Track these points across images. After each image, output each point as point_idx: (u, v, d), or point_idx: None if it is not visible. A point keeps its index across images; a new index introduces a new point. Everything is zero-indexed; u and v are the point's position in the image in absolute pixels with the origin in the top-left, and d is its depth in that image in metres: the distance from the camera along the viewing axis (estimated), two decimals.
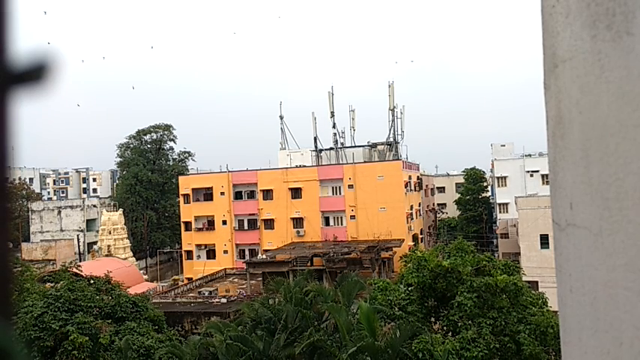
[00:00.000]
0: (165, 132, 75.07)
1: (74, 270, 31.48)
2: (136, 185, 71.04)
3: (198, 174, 65.32)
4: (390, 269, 46.26)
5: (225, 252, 57.50)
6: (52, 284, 27.62)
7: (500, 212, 60.81)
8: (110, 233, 56.21)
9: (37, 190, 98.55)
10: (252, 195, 57.77)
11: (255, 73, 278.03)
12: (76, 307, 20.95)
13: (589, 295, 1.05)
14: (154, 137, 74.86)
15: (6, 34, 0.61)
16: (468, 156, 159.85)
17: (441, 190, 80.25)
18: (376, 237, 50.49)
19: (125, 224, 59.55)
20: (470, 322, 18.43)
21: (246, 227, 57.79)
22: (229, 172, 59.36)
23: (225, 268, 52.30)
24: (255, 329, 19.65)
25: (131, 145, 74.42)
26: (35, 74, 0.62)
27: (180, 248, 63.03)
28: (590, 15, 1.02)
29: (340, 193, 54.88)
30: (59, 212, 69.51)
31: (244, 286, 42.96)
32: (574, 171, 1.09)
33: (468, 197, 67.99)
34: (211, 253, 58.39)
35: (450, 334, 19.06)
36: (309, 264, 41.42)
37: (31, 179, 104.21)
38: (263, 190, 56.72)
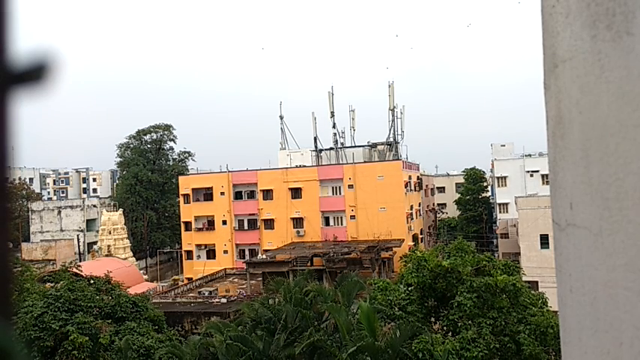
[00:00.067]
0: (165, 132, 75.08)
1: (74, 270, 31.48)
2: (136, 185, 71.04)
3: (198, 174, 65.33)
4: (390, 269, 46.27)
5: (225, 252, 57.50)
6: (52, 284, 27.62)
7: (500, 212, 60.81)
8: (110, 233, 56.22)
9: (37, 190, 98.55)
10: (252, 195, 57.77)
11: (255, 73, 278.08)
12: (76, 307, 20.95)
13: (589, 295, 1.05)
14: (154, 137, 74.87)
15: (6, 34, 0.61)
16: (468, 156, 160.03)
17: (441, 190, 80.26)
18: (376, 237, 50.49)
19: (125, 224, 59.56)
20: (470, 322, 18.43)
21: (246, 227, 57.80)
22: (229, 172, 59.37)
23: (225, 268, 52.31)
24: (255, 329, 19.65)
25: (131, 145, 74.42)
26: (35, 74, 0.62)
27: (180, 248, 63.03)
28: (590, 15, 1.02)
29: (340, 193, 54.89)
30: (59, 212, 69.51)
31: (244, 286, 42.96)
32: (574, 171, 1.09)
33: (468, 197, 68.00)
34: (211, 253, 58.39)
35: (450, 334, 19.06)
36: (309, 264, 41.42)
37: (31, 179, 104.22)
38: (263, 190, 56.73)
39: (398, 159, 56.99)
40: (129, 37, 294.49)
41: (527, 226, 41.12)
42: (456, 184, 77.23)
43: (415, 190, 59.86)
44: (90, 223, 69.08)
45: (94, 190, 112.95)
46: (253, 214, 57.13)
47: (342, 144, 63.02)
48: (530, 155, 63.13)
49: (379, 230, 51.17)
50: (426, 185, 69.69)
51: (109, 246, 55.23)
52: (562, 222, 1.15)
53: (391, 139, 61.87)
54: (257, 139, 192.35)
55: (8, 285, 0.61)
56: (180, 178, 63.06)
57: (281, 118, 66.04)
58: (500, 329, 18.33)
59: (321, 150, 63.61)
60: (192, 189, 59.57)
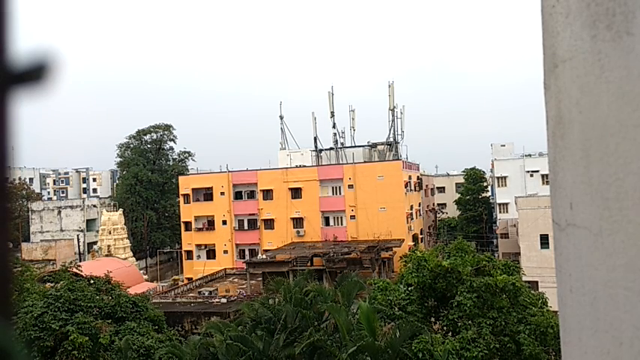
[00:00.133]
0: (165, 132, 75.07)
1: (74, 270, 31.47)
2: (136, 185, 71.02)
3: (198, 174, 65.31)
4: (390, 269, 46.26)
5: (225, 252, 57.50)
6: (52, 284, 27.61)
7: (500, 212, 60.80)
8: (110, 233, 56.21)
9: (37, 190, 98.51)
10: (252, 195, 57.76)
11: (255, 73, 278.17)
12: (76, 307, 20.95)
13: (589, 295, 1.05)
14: (154, 137, 74.86)
15: (6, 34, 0.61)
16: (468, 156, 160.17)
17: (441, 190, 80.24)
18: (376, 237, 50.48)
19: (125, 224, 59.56)
20: (470, 322, 18.43)
21: (246, 227, 57.79)
22: (229, 172, 59.36)
23: (225, 268, 52.30)
24: (255, 329, 19.64)
25: (131, 145, 74.41)
26: (35, 74, 0.62)
27: (180, 248, 63.02)
28: (590, 15, 1.02)
29: (340, 193, 54.88)
30: (59, 212, 69.50)
31: (244, 286, 42.95)
32: (574, 171, 1.09)
33: (468, 197, 67.99)
34: (211, 253, 58.39)
35: (450, 334, 19.06)
36: (309, 264, 41.41)
37: (31, 179, 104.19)
38: (263, 190, 56.72)
39: (398, 159, 56.98)
40: (129, 37, 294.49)
41: (527, 226, 41.12)
42: (456, 184, 77.22)
43: (415, 190, 59.85)
44: (90, 223, 69.07)
45: (94, 190, 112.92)
46: (253, 214, 57.12)
47: (342, 144, 63.02)
48: (530, 155, 63.12)
49: (379, 230, 51.16)
50: (426, 185, 69.68)
51: (109, 246, 55.22)
52: (562, 222, 1.15)
53: (391, 139, 61.85)
54: (257, 139, 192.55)
55: (8, 285, 0.61)
56: (180, 178, 63.05)
57: (281, 118, 66.08)
58: (500, 329, 18.33)
59: (321, 150, 63.60)
60: (192, 189, 59.56)
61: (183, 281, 52.02)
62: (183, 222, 60.43)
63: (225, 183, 58.34)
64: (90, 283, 23.89)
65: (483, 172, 70.22)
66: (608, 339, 0.99)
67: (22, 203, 74.42)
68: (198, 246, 59.07)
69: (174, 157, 76.77)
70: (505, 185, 61.84)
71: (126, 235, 58.12)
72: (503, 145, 66.66)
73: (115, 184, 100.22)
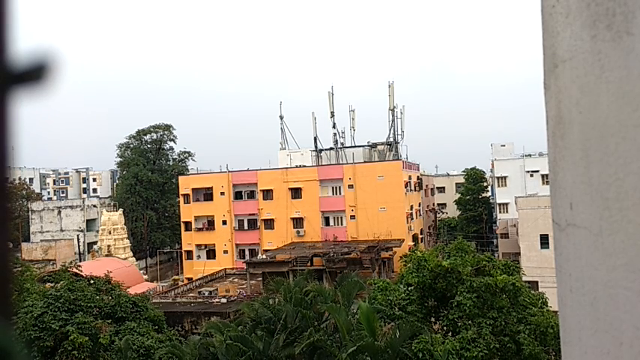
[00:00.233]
0: (165, 132, 75.08)
1: (74, 270, 31.46)
2: (136, 185, 71.03)
3: (198, 174, 65.31)
4: (390, 269, 46.26)
5: (225, 252, 57.49)
6: (52, 284, 27.61)
7: (500, 212, 60.80)
8: (110, 233, 56.21)
9: (37, 190, 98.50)
10: (252, 195, 57.76)
11: (255, 73, 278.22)
12: (76, 307, 20.95)
13: (589, 295, 1.05)
14: (154, 137, 74.87)
15: (6, 34, 0.61)
16: (468, 156, 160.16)
17: (441, 190, 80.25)
18: (376, 237, 50.47)
19: (125, 224, 59.55)
20: (470, 322, 18.42)
21: (246, 227, 57.79)
22: (229, 172, 59.35)
23: (225, 268, 52.30)
24: (255, 329, 19.65)
25: (131, 145, 74.41)
26: (35, 74, 0.62)
27: (180, 248, 63.02)
28: (590, 15, 1.02)
29: (340, 193, 54.87)
30: (59, 212, 69.50)
31: (244, 286, 42.95)
32: (574, 171, 1.09)
33: (468, 197, 67.98)
34: (211, 253, 58.38)
35: (450, 334, 19.05)
36: (309, 264, 41.41)
37: (31, 179, 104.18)
38: (263, 190, 56.72)
39: (398, 159, 56.97)
40: (129, 37, 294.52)
41: (527, 226, 41.12)
42: (456, 184, 77.23)
43: (415, 190, 59.85)
44: (90, 223, 69.07)
45: (94, 190, 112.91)
46: (253, 214, 57.12)
47: (342, 144, 63.01)
48: (530, 155, 63.12)
49: (379, 230, 51.16)
50: (426, 185, 69.67)
51: (109, 246, 55.22)
52: (562, 222, 1.15)
53: (391, 139, 61.84)
54: (257, 139, 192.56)
55: (8, 285, 0.61)
56: (180, 178, 63.05)
57: (281, 118, 66.08)
58: (500, 329, 18.33)
59: (321, 150, 63.59)
60: (192, 189, 59.56)
61: (183, 281, 52.01)
62: (183, 222, 60.43)
63: (225, 183, 58.34)
64: (90, 283, 23.88)
65: (483, 172, 70.23)
66: (608, 339, 0.99)
67: (22, 203, 74.42)
68: (198, 246, 59.07)
69: (174, 157, 76.80)
70: (505, 185, 61.84)
71: (126, 235, 58.12)
72: (503, 145, 66.67)
73: (115, 184, 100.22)
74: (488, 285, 18.50)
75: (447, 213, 76.42)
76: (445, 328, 19.46)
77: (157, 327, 22.61)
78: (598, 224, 1.01)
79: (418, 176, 63.11)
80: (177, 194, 63.50)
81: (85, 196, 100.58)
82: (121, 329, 20.87)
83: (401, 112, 62.94)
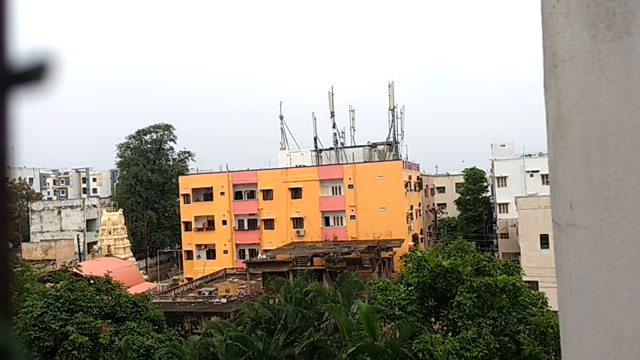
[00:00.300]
0: (165, 132, 75.08)
1: (74, 270, 31.46)
2: (136, 185, 71.03)
3: (198, 174, 65.30)
4: (390, 269, 46.26)
5: (225, 252, 57.49)
6: (52, 284, 27.61)
7: (500, 212, 60.80)
8: (110, 233, 56.21)
9: (37, 190, 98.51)
10: (252, 195, 57.76)
11: (255, 73, 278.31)
12: (76, 307, 20.95)
13: (589, 295, 1.05)
14: (154, 137, 74.86)
15: (6, 34, 0.61)
16: (468, 156, 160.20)
17: (441, 190, 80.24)
18: (376, 237, 50.47)
19: (125, 224, 59.56)
20: (470, 322, 18.42)
21: (246, 227, 57.79)
22: (229, 172, 59.35)
23: (225, 268, 52.29)
24: (255, 329, 19.65)
25: (131, 145, 74.41)
26: (35, 74, 0.62)
27: (180, 248, 63.02)
28: (590, 15, 1.02)
29: (340, 193, 54.87)
30: (59, 212, 69.50)
31: (244, 286, 42.95)
32: (574, 171, 1.09)
33: (468, 197, 67.99)
34: (211, 253, 58.38)
35: (450, 334, 19.05)
36: (309, 264, 41.41)
37: (31, 179, 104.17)
38: (263, 190, 56.71)
39: (398, 159, 56.97)
40: (129, 37, 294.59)
41: (527, 226, 41.11)
42: (456, 184, 77.23)
43: (415, 190, 59.85)
44: (90, 223, 69.07)
45: (94, 190, 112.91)
46: (253, 214, 57.12)
47: (342, 144, 63.01)
48: (530, 155, 63.12)
49: (379, 230, 51.15)
50: (426, 185, 69.67)
51: (109, 246, 55.23)
52: (562, 222, 1.15)
53: (391, 139, 61.84)
54: (257, 139, 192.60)
55: (8, 285, 0.61)
56: (180, 178, 63.04)
57: (281, 118, 66.08)
58: (500, 329, 18.33)
59: (321, 150, 63.58)
60: (192, 189, 59.55)
61: (183, 281, 52.02)
62: (183, 222, 60.43)
63: (225, 183, 58.34)
64: (90, 283, 23.89)
65: (483, 172, 70.24)
66: (608, 339, 0.99)
67: (22, 203, 74.42)
68: (198, 246, 59.07)
69: (174, 157, 76.80)
70: (505, 185, 61.84)
71: (126, 235, 58.13)
72: (503, 145, 66.66)
73: (115, 184, 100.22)
74: (488, 285, 18.50)
75: (447, 213, 76.42)
76: (445, 328, 19.46)
77: (157, 327, 22.61)
78: (598, 224, 1.01)
79: (418, 176, 63.10)
80: (177, 194, 63.50)
81: (85, 196, 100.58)
82: (121, 329, 20.87)
83: (401, 112, 62.99)
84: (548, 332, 17.74)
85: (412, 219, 55.96)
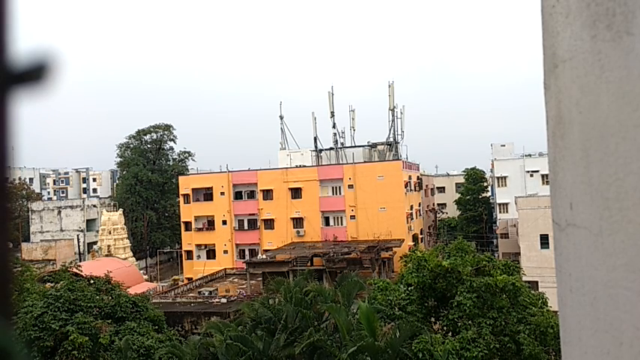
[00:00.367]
0: (165, 132, 75.10)
1: (74, 270, 31.47)
2: (136, 185, 71.04)
3: (198, 174, 65.30)
4: (390, 269, 46.25)
5: (225, 252, 57.49)
6: (52, 284, 27.61)
7: (500, 212, 60.79)
8: (110, 233, 56.21)
9: (37, 190, 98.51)
10: (252, 195, 57.76)
11: (255, 73, 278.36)
12: (76, 307, 20.95)
13: (589, 295, 1.05)
14: (154, 137, 74.88)
15: (6, 34, 0.61)
16: (468, 156, 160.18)
17: (441, 190, 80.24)
18: (376, 237, 50.47)
19: (125, 224, 59.55)
20: (470, 322, 18.42)
21: (246, 227, 57.78)
22: (229, 172, 59.34)
23: (225, 268, 52.29)
24: (255, 329, 19.65)
25: (131, 145, 74.43)
26: (35, 74, 0.62)
27: (180, 248, 63.02)
28: (590, 15, 1.02)
29: (340, 193, 54.87)
30: (59, 212, 69.51)
31: (244, 286, 42.94)
32: (574, 171, 1.09)
33: (468, 197, 67.99)
34: (211, 253, 58.38)
35: (450, 334, 19.05)
36: (309, 264, 41.40)
37: (31, 179, 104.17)
38: (263, 190, 56.71)
39: (398, 159, 56.96)
40: (129, 37, 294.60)
41: (527, 226, 41.11)
42: (456, 184, 77.23)
43: (415, 190, 59.85)
44: (90, 223, 69.08)
45: (94, 190, 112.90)
46: (253, 214, 57.12)
47: (342, 144, 63.00)
48: (530, 155, 63.12)
49: (379, 230, 51.15)
50: (426, 185, 69.67)
51: (109, 246, 55.23)
52: (562, 222, 1.15)
53: (391, 139, 61.83)
54: (257, 139, 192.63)
55: (8, 285, 0.61)
56: (180, 178, 63.04)
57: (281, 118, 66.07)
58: (500, 329, 18.33)
59: (321, 150, 63.58)
60: (192, 189, 59.55)
61: (183, 281, 51.99)
62: (183, 222, 60.43)
63: (225, 183, 58.33)
64: (90, 283, 23.88)
65: (483, 172, 70.23)
66: (608, 339, 0.99)
67: (22, 203, 74.43)
68: (198, 246, 59.07)
69: (175, 157, 76.82)
70: (505, 185, 61.84)
71: (126, 235, 58.12)
72: (503, 145, 66.66)
73: (115, 184, 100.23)
74: (488, 285, 18.50)
75: (447, 213, 76.41)
76: (445, 328, 19.46)
77: (157, 327, 22.61)
78: (598, 224, 1.01)
79: (418, 176, 63.10)
80: (177, 194, 63.50)
81: (85, 196, 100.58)
82: (121, 329, 20.87)
83: (401, 112, 62.98)
84: (548, 332, 17.75)
85: (412, 219, 55.96)
